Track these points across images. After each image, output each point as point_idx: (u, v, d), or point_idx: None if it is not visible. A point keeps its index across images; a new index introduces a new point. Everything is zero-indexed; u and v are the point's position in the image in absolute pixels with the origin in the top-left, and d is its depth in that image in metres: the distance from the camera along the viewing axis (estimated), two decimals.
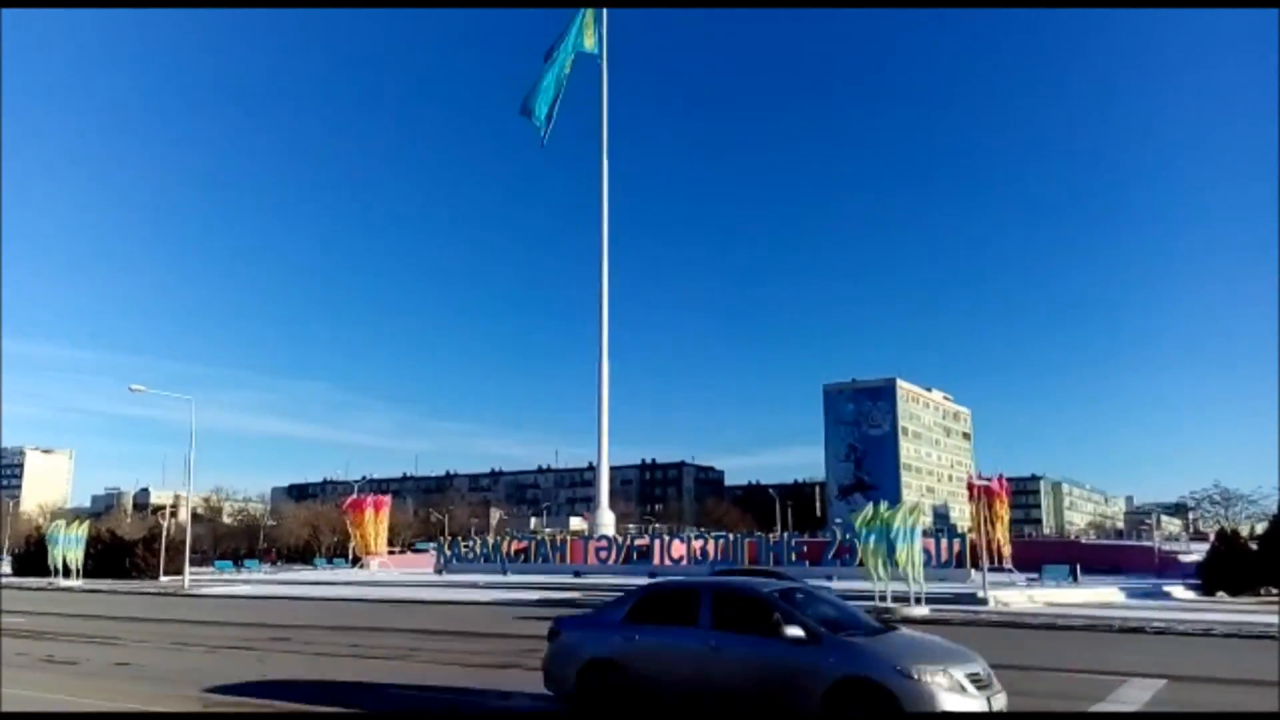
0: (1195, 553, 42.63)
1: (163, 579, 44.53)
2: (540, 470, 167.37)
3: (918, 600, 23.55)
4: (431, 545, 63.25)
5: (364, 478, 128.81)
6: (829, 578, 34.43)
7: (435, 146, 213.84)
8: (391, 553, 61.47)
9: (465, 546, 50.01)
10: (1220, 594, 30.64)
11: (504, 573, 42.97)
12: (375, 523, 56.28)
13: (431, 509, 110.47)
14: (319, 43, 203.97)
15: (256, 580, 46.02)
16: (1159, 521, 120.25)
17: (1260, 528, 38.11)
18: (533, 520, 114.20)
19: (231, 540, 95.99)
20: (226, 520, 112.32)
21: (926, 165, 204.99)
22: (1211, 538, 39.56)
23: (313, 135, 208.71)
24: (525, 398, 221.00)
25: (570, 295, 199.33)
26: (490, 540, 51.36)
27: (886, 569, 24.32)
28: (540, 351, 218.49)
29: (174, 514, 72.66)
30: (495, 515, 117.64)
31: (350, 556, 59.25)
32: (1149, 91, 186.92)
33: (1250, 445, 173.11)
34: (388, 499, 61.04)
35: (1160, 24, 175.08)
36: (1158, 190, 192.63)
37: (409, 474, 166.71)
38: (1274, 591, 29.67)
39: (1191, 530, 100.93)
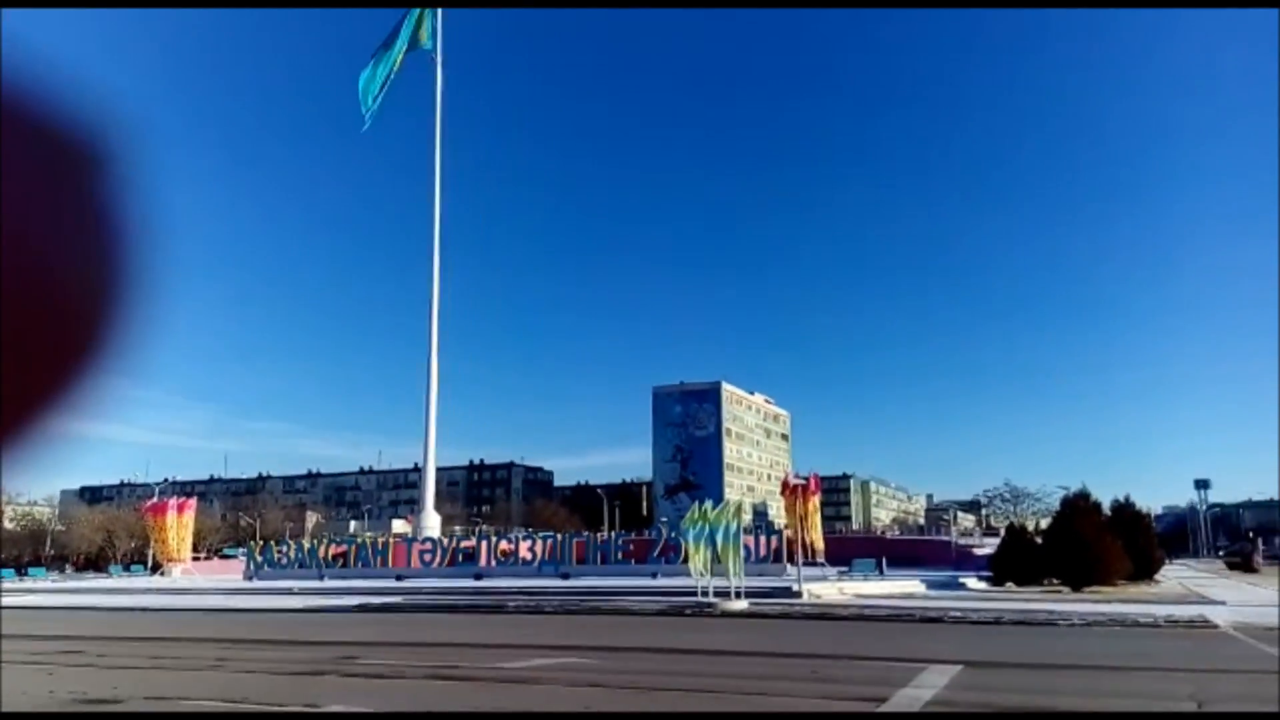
0: (987, 546, 46.02)
1: None
2: (362, 472, 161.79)
3: (737, 595, 24.27)
4: (241, 551, 59.94)
5: (166, 480, 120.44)
6: (654, 575, 35.05)
7: (252, 135, 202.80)
8: (196, 559, 57.81)
9: (278, 552, 47.56)
10: (1009, 584, 33.17)
11: (321, 578, 41.23)
12: (179, 527, 52.73)
13: (242, 513, 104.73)
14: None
15: (43, 589, 42.15)
16: (956, 517, 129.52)
17: (1044, 523, 41.54)
18: (353, 524, 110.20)
19: (14, 547, 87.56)
20: (8, 525, 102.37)
21: (762, 170, 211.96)
22: (1002, 532, 42.89)
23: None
24: (346, 397, 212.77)
25: (397, 292, 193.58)
26: (306, 545, 49.13)
27: (709, 565, 24.94)
28: (363, 350, 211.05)
29: None
30: (312, 519, 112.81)
31: (150, 564, 55.28)
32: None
33: (1036, 447, 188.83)
34: (193, 502, 57.29)
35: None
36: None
37: (217, 476, 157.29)
38: (1055, 581, 32.40)
39: (984, 525, 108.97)
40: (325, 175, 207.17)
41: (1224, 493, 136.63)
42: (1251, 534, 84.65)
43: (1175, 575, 44.21)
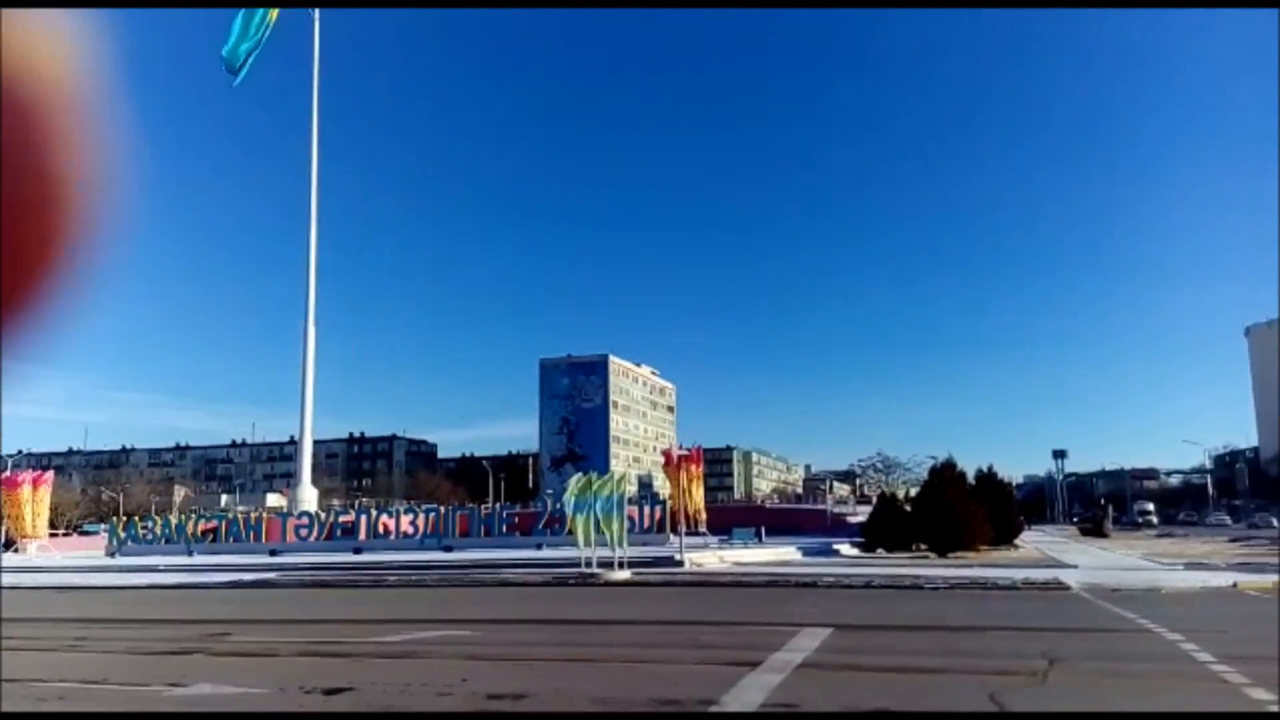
0: (861, 514, 47.78)
1: None
2: (234, 445, 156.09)
3: (621, 565, 24.50)
4: (103, 527, 57.04)
5: (20, 452, 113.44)
6: (539, 546, 35.04)
7: (129, 93, 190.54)
8: (54, 535, 54.65)
9: (143, 527, 45.38)
10: (880, 550, 34.53)
11: (189, 554, 39.66)
12: (34, 502, 49.62)
13: (104, 487, 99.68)
14: None
15: None
16: (832, 487, 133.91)
17: (914, 491, 43.28)
18: (224, 498, 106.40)
19: None
20: None
21: (649, 140, 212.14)
22: (874, 501, 44.57)
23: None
24: (218, 368, 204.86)
25: (271, 257, 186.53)
26: (174, 520, 47.08)
27: (593, 536, 25.07)
28: (236, 318, 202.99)
29: None
30: (180, 493, 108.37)
31: (2, 540, 52.03)
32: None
33: (909, 419, 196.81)
34: (49, 475, 54.04)
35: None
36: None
37: (76, 448, 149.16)
38: (923, 547, 33.87)
39: (858, 494, 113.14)
40: (197, 134, 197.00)
41: (1079, 463, 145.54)
42: (1103, 501, 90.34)
43: (1034, 540, 46.86)
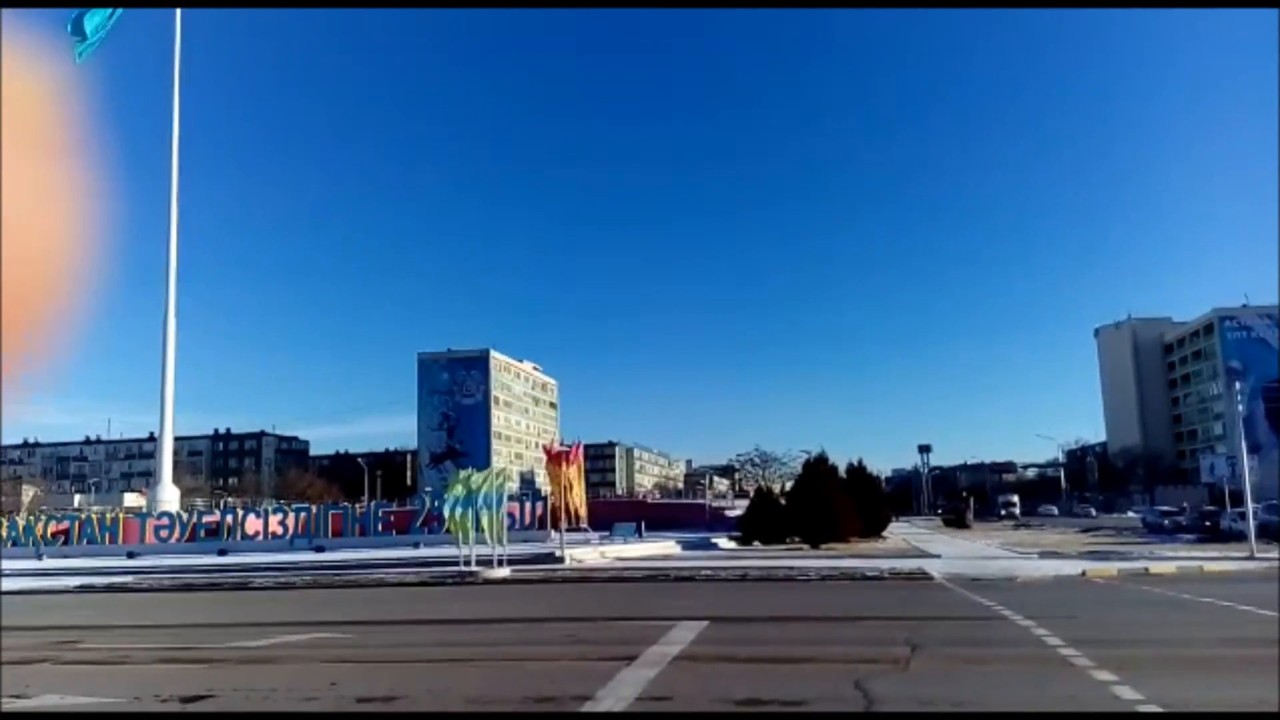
0: (739, 508, 48.75)
1: None
2: (88, 442, 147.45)
3: (500, 562, 24.28)
4: None
5: None
6: (416, 545, 34.40)
7: None
8: None
9: None
10: (756, 543, 35.30)
11: (39, 558, 37.26)
12: None
13: None
14: None
15: None
16: (711, 481, 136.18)
17: (790, 485, 44.42)
18: (78, 498, 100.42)
19: None
20: None
21: (528, 130, 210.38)
22: (751, 495, 45.54)
23: None
24: (71, 359, 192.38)
25: (128, 238, 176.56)
26: (21, 521, 44.20)
27: (472, 534, 24.75)
28: (90, 307, 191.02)
29: None
30: (29, 493, 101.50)
31: None
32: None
33: (785, 415, 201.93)
34: None
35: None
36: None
37: None
38: (797, 539, 34.80)
39: (737, 489, 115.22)
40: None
41: (943, 457, 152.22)
42: (965, 494, 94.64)
43: (901, 532, 48.79)
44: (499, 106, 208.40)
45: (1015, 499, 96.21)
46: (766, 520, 36.24)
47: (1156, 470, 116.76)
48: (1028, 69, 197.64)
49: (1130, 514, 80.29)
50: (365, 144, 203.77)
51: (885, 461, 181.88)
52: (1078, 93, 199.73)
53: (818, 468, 38.33)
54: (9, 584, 27.31)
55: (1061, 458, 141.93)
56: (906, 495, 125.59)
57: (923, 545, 35.26)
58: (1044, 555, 28.14)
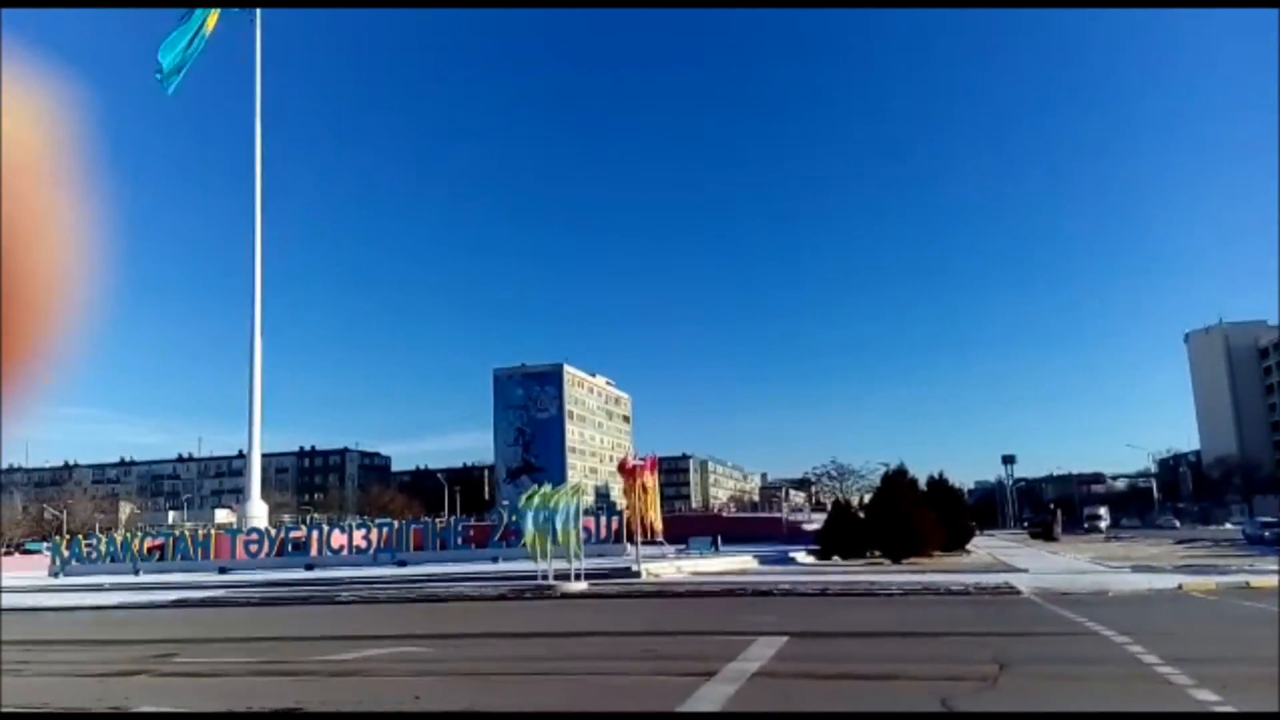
0: (816, 522, 48.13)
1: None
2: (181, 459, 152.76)
3: (577, 576, 24.39)
4: (46, 545, 55.52)
5: None
6: (495, 559, 34.78)
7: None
8: None
9: (87, 545, 44.33)
10: (835, 557, 34.77)
11: (136, 573, 38.72)
12: None
13: (46, 505, 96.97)
14: None
15: None
16: (787, 494, 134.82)
17: (868, 498, 43.67)
18: (172, 515, 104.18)
19: None
20: None
21: (601, 148, 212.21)
22: (829, 508, 44.93)
23: None
24: (161, 381, 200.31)
25: (216, 267, 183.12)
26: (119, 537, 46.01)
27: (549, 548, 24.92)
28: (180, 331, 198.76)
29: None
30: (126, 510, 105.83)
31: None
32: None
33: (862, 427, 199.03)
34: None
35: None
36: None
37: (18, 465, 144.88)
38: (877, 554, 34.18)
39: (813, 502, 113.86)
40: (137, 143, 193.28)
41: (1028, 468, 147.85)
42: (1052, 506, 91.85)
43: (985, 545, 47.52)
44: (570, 120, 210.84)
45: (1102, 510, 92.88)
46: (845, 534, 35.68)
47: (1254, 479, 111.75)
48: (1146, 72, 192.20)
49: (1228, 525, 76.93)
50: (441, 162, 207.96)
51: (967, 474, 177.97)
52: (1140, 96, 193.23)
53: (897, 480, 37.61)
54: (114, 597, 28.47)
55: (1153, 467, 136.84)
56: (990, 508, 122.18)
57: (1008, 559, 34.31)
58: (1137, 569, 27.12)
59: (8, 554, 59.64)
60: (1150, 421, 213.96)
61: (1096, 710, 7.91)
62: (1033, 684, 9.05)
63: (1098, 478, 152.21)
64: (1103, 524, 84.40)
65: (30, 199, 0.69)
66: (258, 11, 49.13)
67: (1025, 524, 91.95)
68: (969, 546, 41.10)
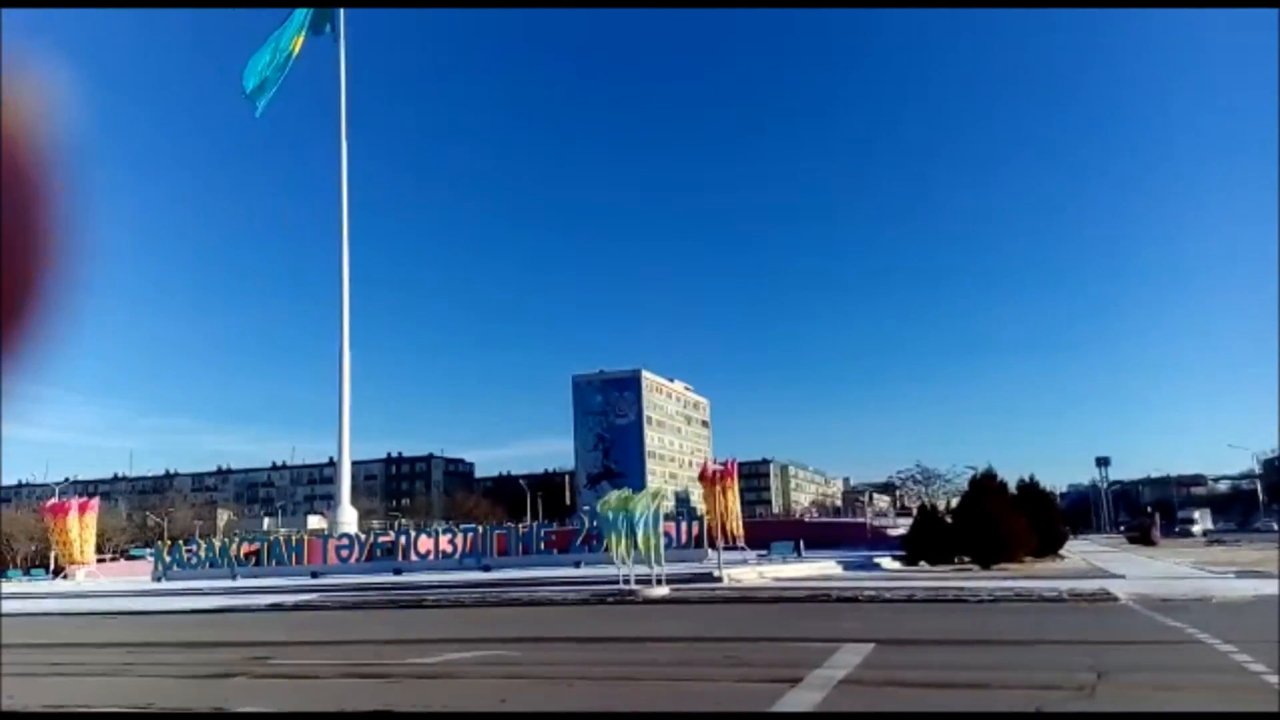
0: (901, 526, 47.27)
1: None
2: (275, 467, 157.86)
3: (659, 581, 24.40)
4: (149, 551, 57.93)
5: (67, 479, 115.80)
6: (577, 564, 35.02)
7: (151, 122, 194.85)
8: (101, 560, 55.70)
9: (188, 551, 46.13)
10: (922, 563, 34.09)
11: (233, 577, 40.14)
12: (81, 528, 50.49)
13: (149, 512, 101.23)
14: None
15: None
16: (871, 499, 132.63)
17: (954, 503, 42.73)
18: (266, 521, 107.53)
19: None
20: None
21: (677, 157, 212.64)
22: (914, 513, 44.07)
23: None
24: (256, 390, 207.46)
25: (304, 281, 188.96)
26: (217, 543, 47.77)
27: (630, 553, 24.98)
28: (271, 343, 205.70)
29: None
30: (223, 517, 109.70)
31: (52, 567, 53.03)
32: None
33: (947, 429, 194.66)
34: (95, 501, 55.03)
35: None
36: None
37: (122, 474, 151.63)
38: (966, 559, 33.41)
39: (898, 506, 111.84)
40: (227, 161, 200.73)
41: (1123, 470, 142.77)
42: (1150, 509, 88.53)
43: (1079, 550, 46.07)
44: (660, 122, 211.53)
45: (1196, 514, 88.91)
46: (932, 539, 34.95)
47: None
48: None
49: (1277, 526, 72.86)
50: (519, 165, 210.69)
51: (1059, 476, 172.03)
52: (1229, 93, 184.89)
53: (986, 483, 36.72)
54: (213, 601, 29.57)
55: (1258, 468, 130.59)
56: (1084, 512, 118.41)
57: (1104, 564, 33.16)
58: (1241, 574, 25.90)
59: (112, 559, 62.30)
60: (1254, 421, 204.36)
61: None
62: (1133, 693, 8.71)
63: (1198, 480, 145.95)
64: (1195, 528, 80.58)
65: (32, 199, 0.69)
66: (342, 25, 50.41)
67: (1121, 528, 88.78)
68: (1062, 552, 39.93)
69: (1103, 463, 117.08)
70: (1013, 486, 38.81)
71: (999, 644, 13.39)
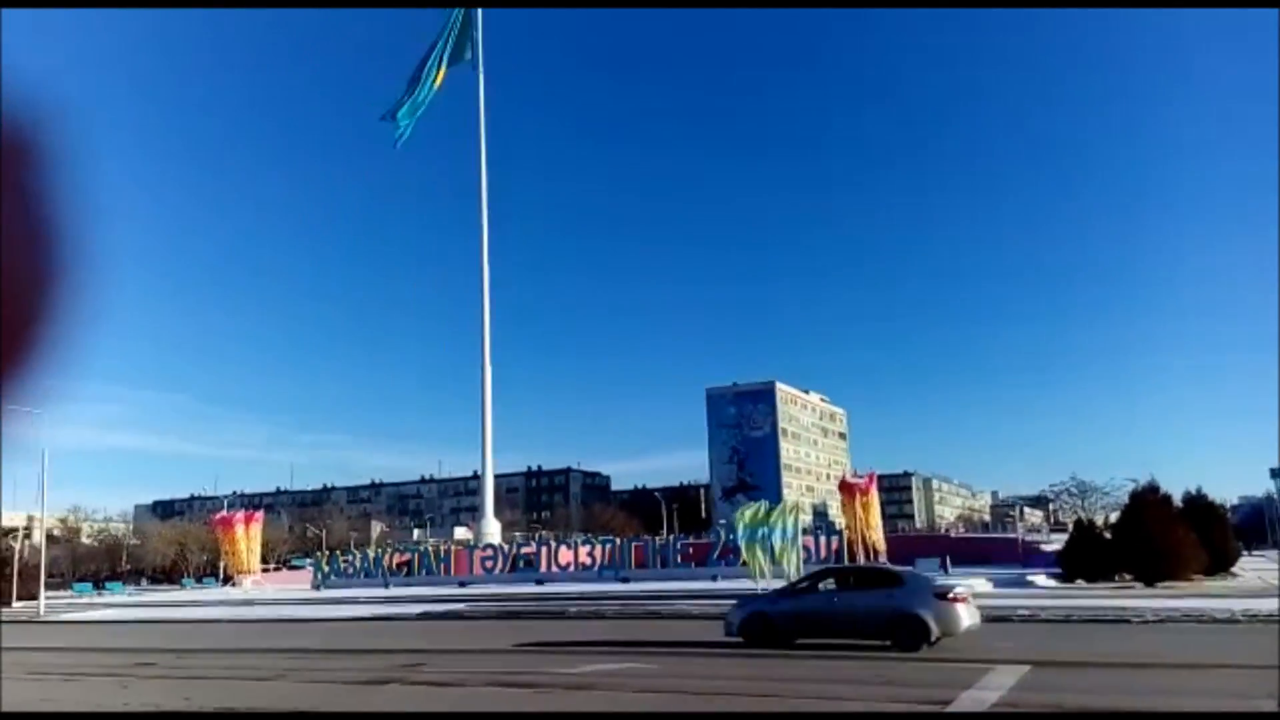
0: (1055, 542, 44.98)
1: (15, 605, 41.71)
2: (423, 481, 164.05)
3: None
4: (309, 561, 61.20)
5: (234, 493, 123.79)
6: (714, 578, 34.91)
7: (302, 148, 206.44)
8: (265, 570, 59.13)
9: (344, 561, 48.52)
10: (1079, 581, 32.37)
11: (386, 586, 41.90)
12: (247, 539, 53.96)
13: (308, 524, 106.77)
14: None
15: (119, 604, 43.50)
16: (1022, 513, 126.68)
17: (1114, 517, 40.48)
18: (416, 532, 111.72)
19: (91, 562, 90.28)
20: (86, 541, 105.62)
21: (813, 171, 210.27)
22: (1070, 528, 41.92)
23: (162, 133, 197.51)
24: (404, 407, 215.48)
25: (449, 301, 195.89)
26: (371, 554, 49.98)
27: (768, 566, 24.75)
28: (419, 359, 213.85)
29: (28, 536, 67.97)
30: (376, 528, 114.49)
31: (221, 576, 56.72)
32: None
33: (1103, 440, 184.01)
34: (260, 514, 58.68)
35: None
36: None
37: (283, 488, 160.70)
38: (1127, 577, 31.58)
39: (1052, 521, 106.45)
40: (376, 188, 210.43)
41: None
42: None
43: (1254, 568, 42.77)
44: (788, 136, 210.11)
45: None
46: (1090, 555, 33.17)
47: None
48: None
49: None
50: (653, 180, 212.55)
51: (1230, 488, 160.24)
52: None
53: (1148, 497, 34.60)
54: (367, 610, 30.97)
55: None
56: (1259, 526, 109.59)
57: None
58: None
59: (276, 569, 66.00)
60: None
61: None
62: None
63: None
64: None
65: (33, 199, 0.72)
66: (479, 12, 52.18)
67: None
68: (1235, 569, 37.23)
69: (1278, 474, 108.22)
70: (1178, 500, 36.48)
71: (1166, 667, 12.60)
